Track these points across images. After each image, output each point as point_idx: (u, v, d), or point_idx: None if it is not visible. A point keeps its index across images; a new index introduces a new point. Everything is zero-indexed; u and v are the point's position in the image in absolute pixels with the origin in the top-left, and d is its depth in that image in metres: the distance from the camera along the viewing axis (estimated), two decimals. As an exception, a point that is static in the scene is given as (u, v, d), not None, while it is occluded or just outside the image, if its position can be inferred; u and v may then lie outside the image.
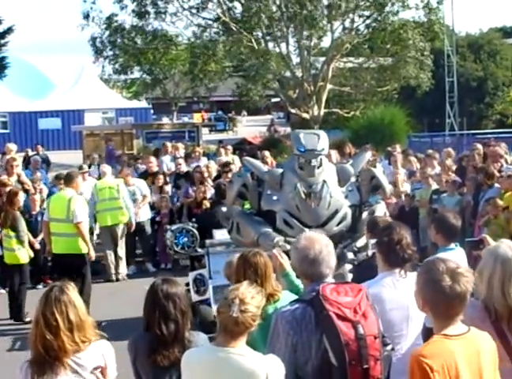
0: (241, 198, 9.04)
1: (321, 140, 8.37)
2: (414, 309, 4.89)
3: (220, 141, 29.59)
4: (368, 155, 9.03)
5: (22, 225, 11.56)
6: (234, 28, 29.53)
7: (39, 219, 13.31)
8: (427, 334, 5.12)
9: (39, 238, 13.16)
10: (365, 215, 8.74)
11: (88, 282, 10.97)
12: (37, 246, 13.05)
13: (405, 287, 4.91)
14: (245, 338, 3.95)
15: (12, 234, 11.49)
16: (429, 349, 3.56)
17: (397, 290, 4.88)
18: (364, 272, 4.84)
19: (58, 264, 11.17)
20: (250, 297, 3.92)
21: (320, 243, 4.19)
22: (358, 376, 3.89)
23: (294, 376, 3.96)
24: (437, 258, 3.84)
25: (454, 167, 13.97)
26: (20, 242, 11.47)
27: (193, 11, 30.89)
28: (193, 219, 12.53)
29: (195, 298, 9.68)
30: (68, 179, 11.26)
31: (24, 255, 11.52)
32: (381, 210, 8.93)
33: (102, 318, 10.30)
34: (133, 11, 31.23)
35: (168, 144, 19.77)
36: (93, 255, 11.06)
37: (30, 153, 25.93)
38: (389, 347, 4.18)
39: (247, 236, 8.49)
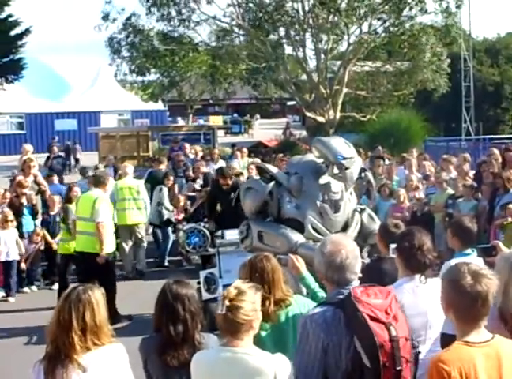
0: (263, 206, 8.88)
1: (351, 147, 8.54)
2: (433, 315, 4.87)
3: (233, 145, 29.55)
4: (360, 160, 9.14)
5: (71, 217, 11.93)
6: (251, 31, 29.56)
7: (57, 219, 13.42)
8: (445, 340, 5.09)
9: (58, 238, 13.27)
10: (365, 218, 8.80)
11: (111, 281, 10.98)
12: (55, 246, 13.19)
13: (425, 293, 4.89)
14: (249, 337, 3.93)
15: (62, 225, 12.19)
16: (448, 355, 3.53)
17: (417, 296, 4.84)
18: (371, 274, 4.77)
19: (80, 262, 11.31)
20: (236, 293, 3.92)
21: (346, 248, 4.14)
22: (391, 378, 3.85)
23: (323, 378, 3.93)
24: (461, 262, 3.82)
25: (471, 173, 13.90)
26: (70, 233, 11.90)
27: (217, 16, 30.93)
28: (205, 220, 12.64)
29: (206, 296, 9.84)
30: (97, 180, 11.41)
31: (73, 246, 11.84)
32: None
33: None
34: (159, 17, 31.33)
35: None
36: (104, 255, 10.94)
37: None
38: (417, 350, 4.14)
39: (276, 244, 8.39)
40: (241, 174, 14.65)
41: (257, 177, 9.66)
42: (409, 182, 13.77)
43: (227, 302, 3.87)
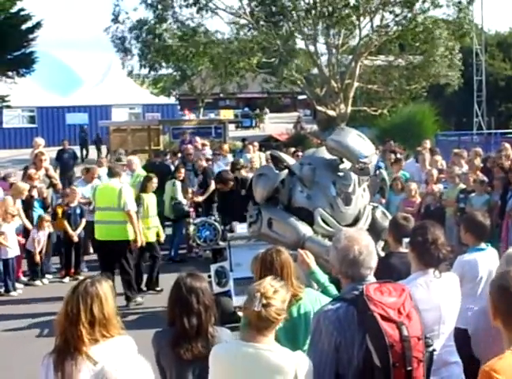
0: (274, 193, 8.91)
1: (368, 141, 8.56)
2: (446, 309, 4.85)
3: (244, 139, 29.50)
4: (376, 157, 9.16)
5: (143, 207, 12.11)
6: (262, 24, 29.49)
7: (78, 212, 13.44)
8: (459, 335, 5.06)
9: (78, 231, 13.31)
10: (378, 214, 8.81)
11: (130, 267, 11.45)
12: (75, 239, 13.23)
13: (439, 287, 4.86)
14: (273, 334, 3.91)
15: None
16: (501, 364, 3.40)
17: (430, 291, 4.81)
18: (380, 269, 4.75)
19: (101, 250, 11.59)
20: (273, 291, 3.89)
21: (360, 243, 4.10)
22: (401, 378, 3.81)
23: (335, 375, 3.89)
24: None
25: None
26: (143, 222, 11.97)
27: (229, 10, 30.77)
28: (215, 213, 12.67)
29: (216, 289, 9.88)
30: (112, 172, 11.74)
31: (151, 234, 12.14)
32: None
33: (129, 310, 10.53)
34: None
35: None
36: (139, 241, 11.53)
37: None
38: (431, 348, 4.08)
39: (284, 233, 8.41)
40: (243, 167, 14.52)
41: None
42: (430, 177, 13.67)
43: (264, 300, 3.84)
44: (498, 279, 3.67)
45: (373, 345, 3.78)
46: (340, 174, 8.47)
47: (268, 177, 8.70)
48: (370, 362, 3.79)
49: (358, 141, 8.41)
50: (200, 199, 14.91)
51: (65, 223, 13.29)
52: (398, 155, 16.56)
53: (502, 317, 3.54)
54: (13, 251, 12.44)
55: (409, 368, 3.81)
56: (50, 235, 13.50)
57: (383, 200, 11.63)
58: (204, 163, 15.78)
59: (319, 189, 8.44)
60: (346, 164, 8.55)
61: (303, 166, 8.63)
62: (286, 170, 8.71)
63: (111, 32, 33.16)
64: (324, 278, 5.38)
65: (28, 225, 12.97)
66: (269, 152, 13.84)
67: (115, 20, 32.59)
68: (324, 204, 8.39)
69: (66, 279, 13.13)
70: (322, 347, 3.90)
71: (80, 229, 13.40)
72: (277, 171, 8.71)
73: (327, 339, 3.89)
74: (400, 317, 3.85)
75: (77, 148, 30.53)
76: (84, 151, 35.85)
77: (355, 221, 8.50)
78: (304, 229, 8.29)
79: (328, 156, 8.66)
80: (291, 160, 9.10)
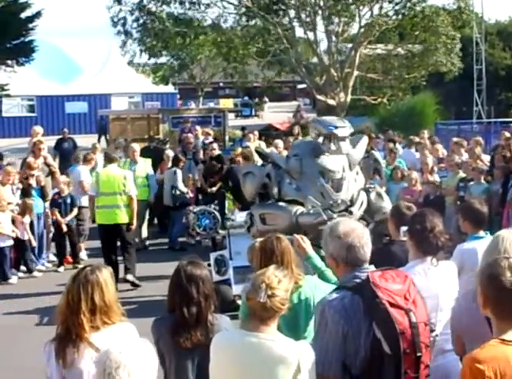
0: (264, 189, 9.05)
1: (347, 124, 8.73)
2: (444, 298, 4.86)
3: (244, 128, 29.47)
4: (366, 139, 9.32)
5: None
6: (260, 14, 29.44)
7: (68, 201, 13.42)
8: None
9: (68, 218, 13.29)
10: (373, 196, 8.87)
11: (133, 248, 11.97)
12: (64, 228, 13.21)
13: (436, 275, 4.86)
14: (275, 323, 3.89)
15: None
16: (483, 353, 3.38)
17: (428, 279, 4.81)
18: (381, 258, 4.73)
19: (106, 234, 11.86)
20: (277, 281, 3.86)
21: (356, 230, 4.10)
22: (411, 364, 3.81)
23: (341, 366, 3.85)
24: (502, 256, 3.74)
25: (483, 156, 13.85)
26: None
27: None
28: (215, 202, 12.68)
29: (216, 278, 9.90)
30: (110, 158, 12.28)
31: None
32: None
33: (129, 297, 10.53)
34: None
35: None
36: (135, 224, 12.06)
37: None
38: (434, 333, 4.10)
39: (278, 222, 8.48)
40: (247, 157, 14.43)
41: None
42: (424, 165, 13.66)
43: (269, 291, 3.81)
44: (487, 268, 3.64)
45: (382, 333, 3.76)
46: (325, 159, 8.57)
47: (253, 174, 8.91)
48: (378, 350, 3.77)
49: (333, 118, 8.88)
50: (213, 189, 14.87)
51: (56, 211, 13.29)
52: (397, 145, 16.55)
53: (491, 307, 3.52)
54: (9, 239, 12.44)
55: (419, 354, 3.82)
56: (45, 224, 13.56)
57: (384, 187, 11.63)
58: (217, 152, 15.62)
59: (307, 179, 8.55)
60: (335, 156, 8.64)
61: (289, 159, 8.78)
62: (270, 165, 8.85)
63: (111, 13, 33.19)
64: (321, 263, 5.38)
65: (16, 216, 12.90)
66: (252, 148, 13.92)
67: (117, 1, 32.64)
68: (314, 194, 8.46)
69: (61, 269, 13.10)
70: (329, 336, 3.86)
71: (70, 217, 13.35)
72: (261, 167, 8.89)
73: (334, 328, 3.84)
74: (407, 304, 3.86)
75: (82, 136, 30.51)
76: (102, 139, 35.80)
77: (349, 206, 8.57)
78: (294, 207, 8.42)
79: (313, 144, 8.86)
80: (274, 153, 9.28)
